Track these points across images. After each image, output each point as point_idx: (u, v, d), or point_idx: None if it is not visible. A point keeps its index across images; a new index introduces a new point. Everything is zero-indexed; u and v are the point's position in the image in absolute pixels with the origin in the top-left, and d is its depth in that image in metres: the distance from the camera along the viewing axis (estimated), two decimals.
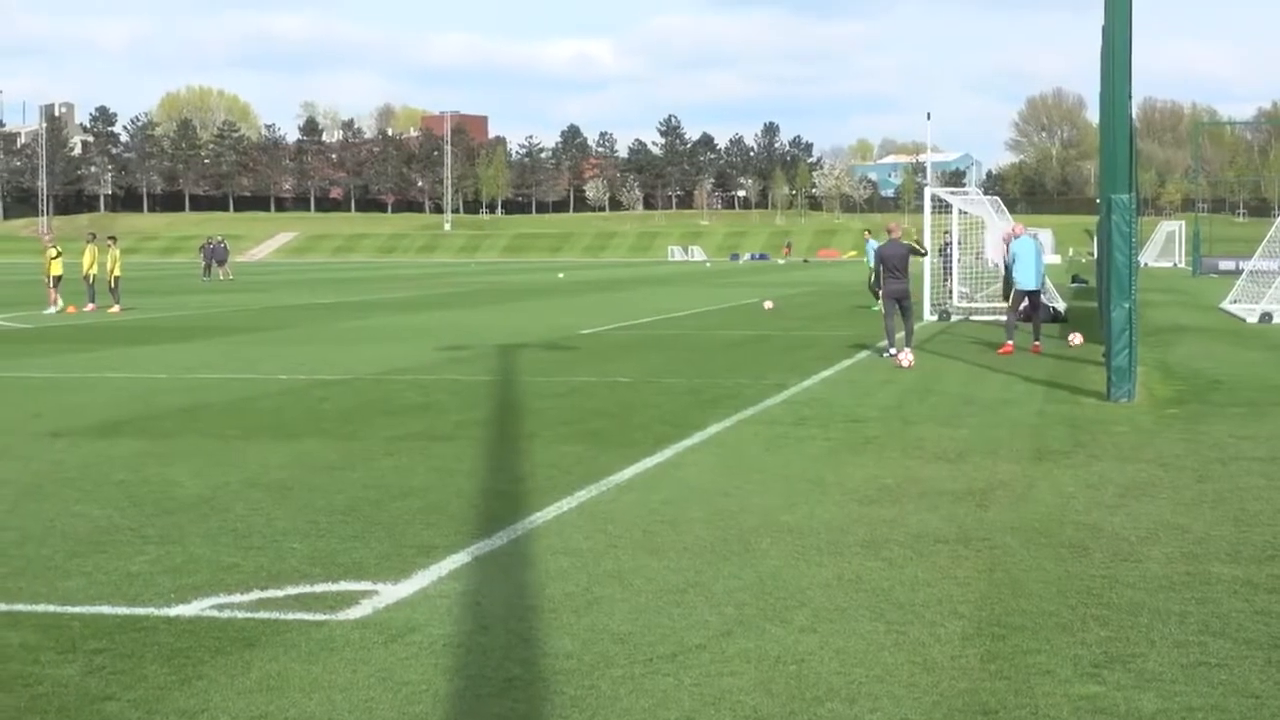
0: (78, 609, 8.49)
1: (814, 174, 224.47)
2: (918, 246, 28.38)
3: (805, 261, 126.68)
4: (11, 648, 7.68)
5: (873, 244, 45.38)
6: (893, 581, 9.11)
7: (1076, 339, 29.12)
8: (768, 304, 44.79)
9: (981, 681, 7.07)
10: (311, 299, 53.68)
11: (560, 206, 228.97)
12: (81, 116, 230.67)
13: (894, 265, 26.08)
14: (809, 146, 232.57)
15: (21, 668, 7.33)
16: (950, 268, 42.08)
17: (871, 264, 44.03)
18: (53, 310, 42.98)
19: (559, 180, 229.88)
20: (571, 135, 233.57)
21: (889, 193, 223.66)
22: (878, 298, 42.44)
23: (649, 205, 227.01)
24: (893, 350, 25.44)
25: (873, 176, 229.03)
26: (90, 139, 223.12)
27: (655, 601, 8.60)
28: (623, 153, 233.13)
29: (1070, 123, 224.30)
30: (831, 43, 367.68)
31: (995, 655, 7.51)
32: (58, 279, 44.51)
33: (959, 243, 42.75)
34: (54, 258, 44.94)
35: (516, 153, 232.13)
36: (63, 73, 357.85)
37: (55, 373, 23.68)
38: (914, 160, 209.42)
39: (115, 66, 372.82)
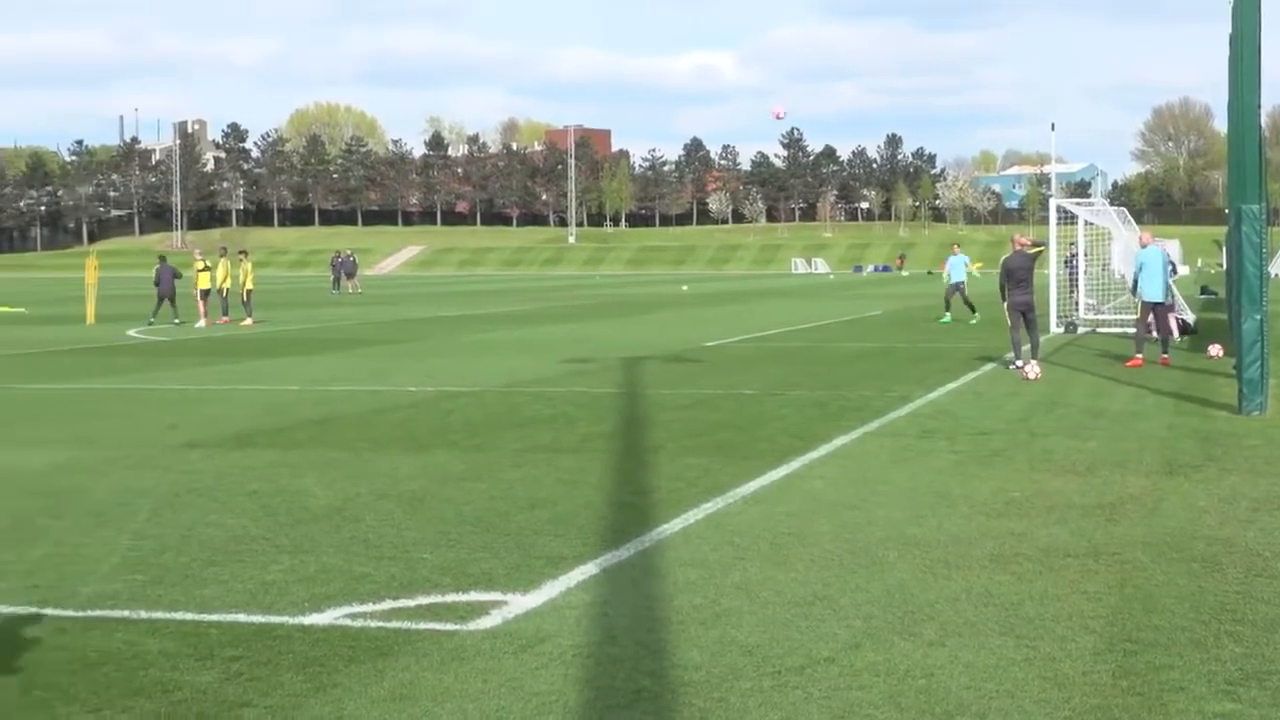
0: (215, 617, 8.65)
1: (937, 185, 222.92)
2: (1037, 245, 28.07)
3: (929, 273, 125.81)
4: (151, 654, 7.83)
5: (961, 257, 45.07)
6: (1022, 596, 9.05)
7: (1216, 350, 28.63)
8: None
9: (1113, 698, 7.01)
10: (438, 312, 54.13)
11: (683, 219, 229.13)
12: (214, 133, 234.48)
13: (1019, 277, 25.99)
14: (932, 158, 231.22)
15: (161, 674, 7.47)
16: (1076, 279, 41.66)
17: (951, 278, 43.94)
18: (201, 324, 43.55)
19: (682, 193, 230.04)
20: (694, 148, 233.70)
21: (1013, 204, 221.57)
22: (973, 310, 42.34)
23: (772, 218, 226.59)
24: (1019, 362, 25.24)
25: (996, 188, 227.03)
26: (222, 155, 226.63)
27: (783, 614, 8.61)
28: (745, 165, 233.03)
29: (1197, 132, 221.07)
30: (954, 54, 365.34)
31: (1127, 671, 7.44)
32: (205, 293, 45.10)
33: (1085, 254, 42.31)
34: (201, 270, 45.52)
35: (640, 166, 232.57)
36: (196, 91, 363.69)
37: (190, 385, 24.08)
38: (1038, 171, 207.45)
39: (246, 84, 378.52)
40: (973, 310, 42.43)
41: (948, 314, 43.18)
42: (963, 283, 43.72)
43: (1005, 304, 26.33)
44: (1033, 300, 26.21)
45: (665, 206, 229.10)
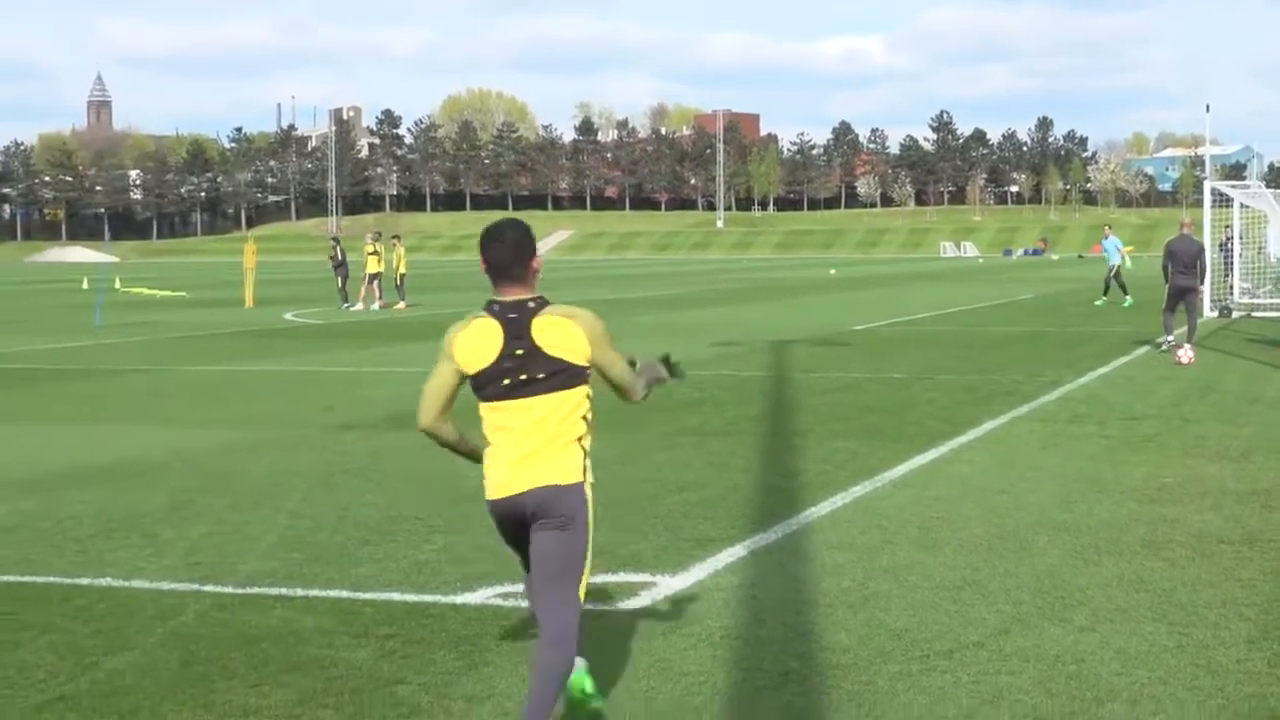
0: (369, 595, 8.81)
1: (1088, 168, 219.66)
2: (1215, 244, 28.03)
3: (1080, 257, 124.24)
4: (308, 631, 8.00)
5: (1113, 240, 44.47)
6: (1174, 582, 8.95)
7: None
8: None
9: (1269, 686, 6.93)
10: (587, 295, 54.40)
11: (831, 203, 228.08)
12: (368, 120, 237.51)
13: (1184, 260, 25.86)
14: (1083, 140, 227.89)
15: (318, 651, 7.63)
16: (1231, 263, 40.95)
17: (1111, 260, 43.41)
18: (375, 307, 44.27)
19: (830, 177, 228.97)
20: (843, 132, 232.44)
21: (1166, 187, 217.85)
22: (1121, 290, 41.96)
23: (920, 201, 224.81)
24: (1171, 340, 24.96)
25: (1149, 170, 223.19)
26: (376, 141, 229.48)
27: (931, 598, 8.60)
28: (894, 149, 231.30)
29: None
30: (1106, 34, 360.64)
31: None
32: (374, 276, 45.74)
33: (1240, 237, 41.55)
34: (371, 254, 46.14)
35: (788, 150, 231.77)
36: (352, 79, 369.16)
37: (346, 367, 24.46)
38: (1192, 154, 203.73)
39: (400, 71, 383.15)
40: (1125, 292, 42.06)
41: (1104, 297, 42.76)
42: (1115, 265, 43.28)
43: (1167, 286, 26.17)
44: (1196, 284, 26.09)
45: (813, 190, 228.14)
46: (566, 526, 6.05)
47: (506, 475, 6.08)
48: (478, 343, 6.14)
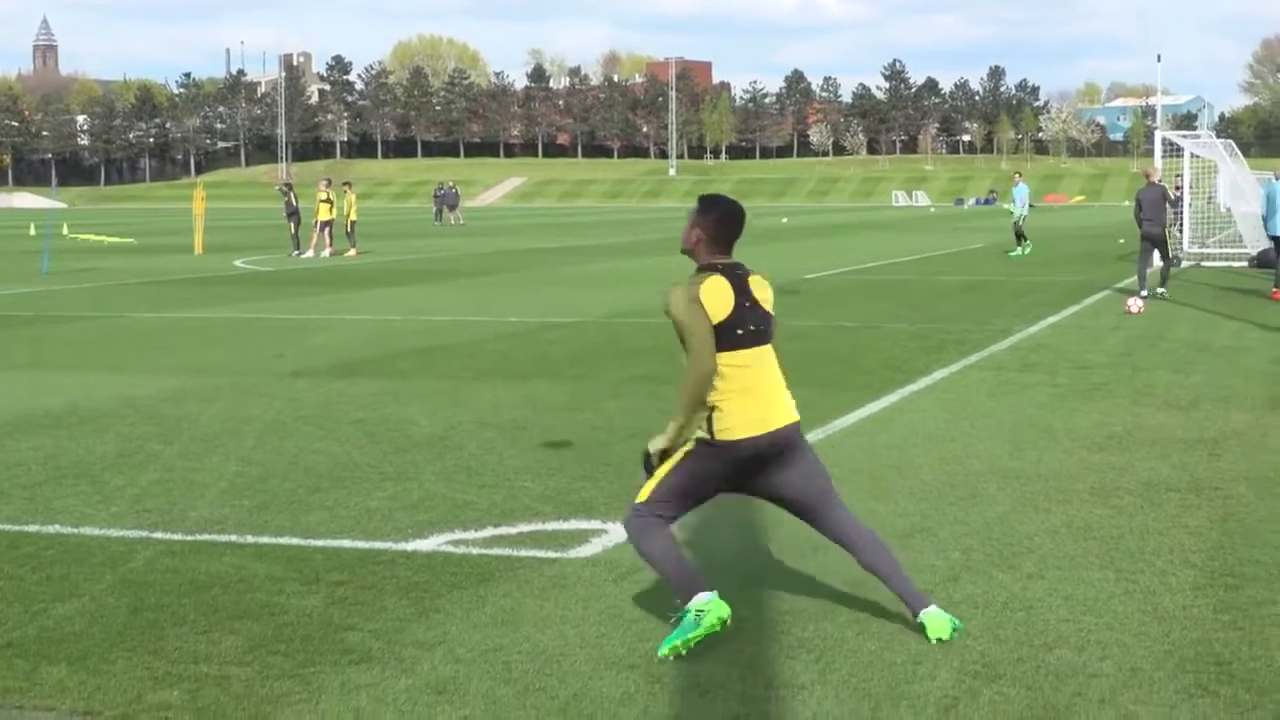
0: (320, 542, 8.79)
1: (1040, 118, 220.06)
2: (1171, 194, 29.16)
3: (1031, 206, 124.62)
4: (258, 578, 7.98)
5: (1023, 189, 44.63)
6: (1122, 530, 9.02)
7: None
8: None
9: (1214, 632, 7.00)
10: (540, 243, 54.31)
11: (784, 152, 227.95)
12: (318, 66, 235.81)
13: (1150, 210, 27.32)
14: (1035, 90, 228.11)
15: (268, 598, 7.62)
16: (1181, 213, 41.15)
17: (1017, 209, 43.96)
18: (325, 254, 44.11)
19: (782, 125, 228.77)
20: (795, 80, 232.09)
21: (1117, 136, 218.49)
22: (1021, 240, 42.65)
23: (873, 150, 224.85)
24: (1161, 291, 26.38)
25: (1101, 120, 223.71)
26: (326, 87, 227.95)
27: None
28: (846, 98, 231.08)
29: None
30: None
31: (1229, 606, 7.41)
32: (326, 223, 45.49)
33: (1190, 187, 41.73)
34: (323, 201, 45.86)
35: (740, 98, 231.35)
36: (301, 24, 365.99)
37: (296, 315, 24.37)
38: (1143, 104, 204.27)
39: (350, 17, 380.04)
40: (1018, 240, 43.14)
41: (1018, 248, 43.09)
42: (1023, 214, 43.99)
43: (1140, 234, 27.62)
44: (1163, 233, 27.68)
45: (766, 139, 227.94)
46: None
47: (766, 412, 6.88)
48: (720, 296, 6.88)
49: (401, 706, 6.02)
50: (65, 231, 57.62)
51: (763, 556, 8.38)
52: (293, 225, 47.26)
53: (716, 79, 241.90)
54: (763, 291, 7.04)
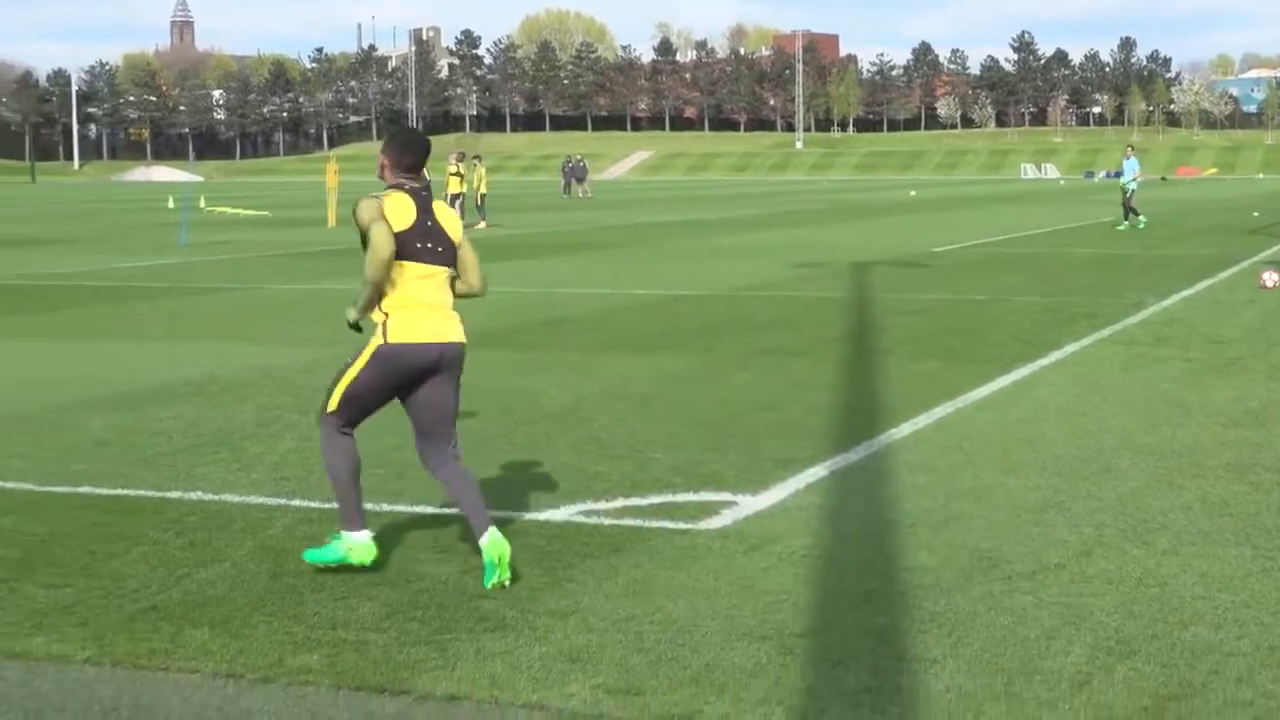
0: (454, 511, 8.89)
1: (1172, 89, 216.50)
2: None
3: (1163, 179, 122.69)
4: (394, 546, 8.11)
5: (1133, 162, 43.47)
6: (1259, 506, 8.92)
7: None
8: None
9: None
10: (666, 216, 54.35)
11: (911, 124, 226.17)
12: (448, 40, 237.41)
13: None
14: (1167, 61, 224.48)
15: (404, 565, 7.74)
16: None
17: (1128, 182, 42.78)
18: None
19: (910, 98, 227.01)
20: (923, 52, 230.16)
21: (1251, 108, 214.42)
22: (1130, 214, 41.62)
23: (1001, 123, 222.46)
24: None
25: (1234, 92, 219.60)
26: (456, 62, 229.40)
27: (1013, 519, 8.61)
28: (975, 69, 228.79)
29: None
30: None
31: None
32: (456, 196, 45.87)
33: None
34: (453, 174, 46.24)
35: (868, 70, 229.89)
36: None
37: None
38: (1278, 74, 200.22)
39: None
40: (1126, 215, 42.07)
41: (1125, 221, 42.30)
42: (1133, 188, 43.01)
43: None
44: None
45: (893, 111, 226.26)
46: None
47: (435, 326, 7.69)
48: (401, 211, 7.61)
49: (536, 674, 6.09)
50: (202, 204, 58.58)
51: (894, 529, 8.38)
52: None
53: (843, 51, 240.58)
54: (447, 218, 7.83)
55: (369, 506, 8.97)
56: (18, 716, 5.75)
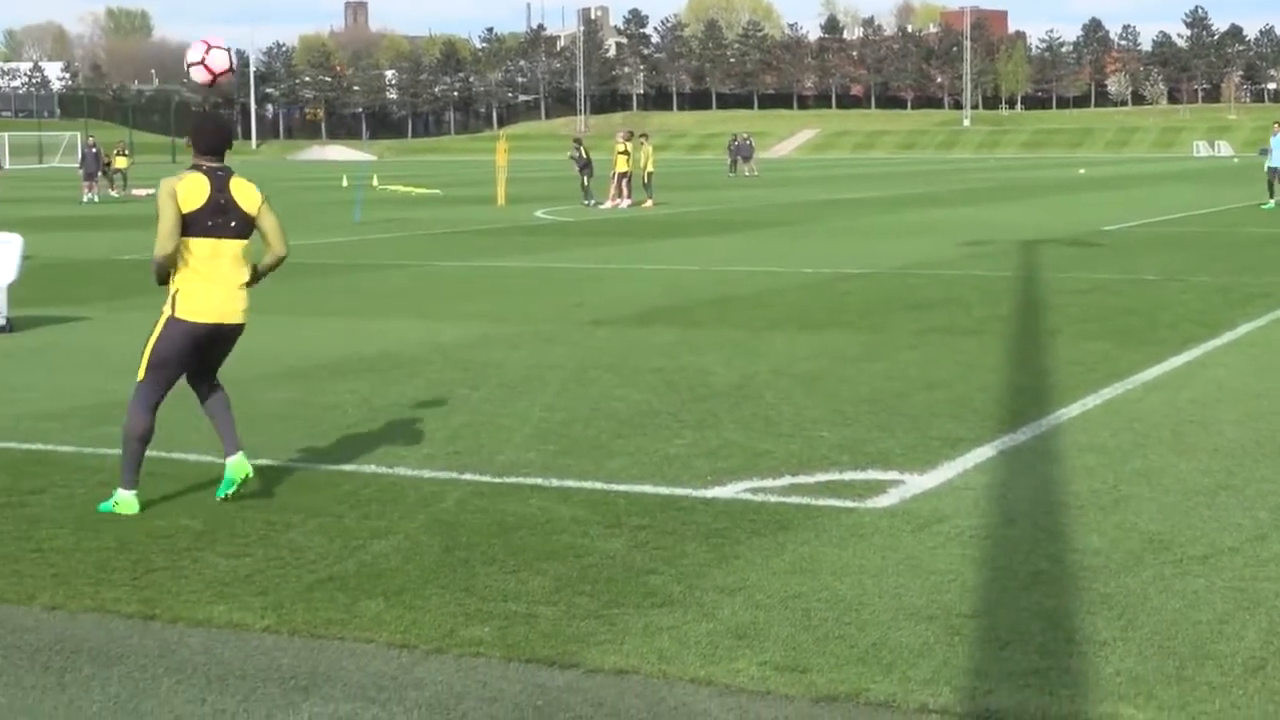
0: (622, 487, 8.99)
1: None
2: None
3: None
4: (563, 521, 8.21)
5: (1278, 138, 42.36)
6: None
7: None
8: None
9: None
10: (833, 195, 54.13)
11: (1080, 102, 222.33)
12: (615, 19, 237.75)
13: None
14: None
15: (573, 540, 7.84)
16: None
17: (1274, 161, 41.60)
18: (624, 205, 44.75)
19: (1079, 75, 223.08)
20: (1093, 28, 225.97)
21: None
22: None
23: (1173, 99, 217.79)
24: None
25: None
26: (624, 41, 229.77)
27: (1185, 502, 8.50)
28: (1146, 46, 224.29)
29: None
30: None
31: None
32: (624, 175, 46.14)
33: None
34: (621, 152, 46.53)
35: (1036, 47, 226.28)
36: None
37: (595, 264, 24.79)
38: None
39: None
40: (1271, 193, 40.87)
41: (1270, 200, 41.21)
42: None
43: None
44: None
45: (1062, 88, 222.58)
46: None
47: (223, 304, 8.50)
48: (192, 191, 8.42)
49: (703, 650, 6.15)
50: (375, 183, 59.31)
51: (1064, 510, 8.32)
52: (585, 177, 48.00)
53: (1012, 28, 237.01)
54: (243, 193, 8.54)
55: (538, 481, 9.12)
56: (200, 682, 5.93)
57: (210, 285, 8.43)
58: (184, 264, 8.41)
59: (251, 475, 8.60)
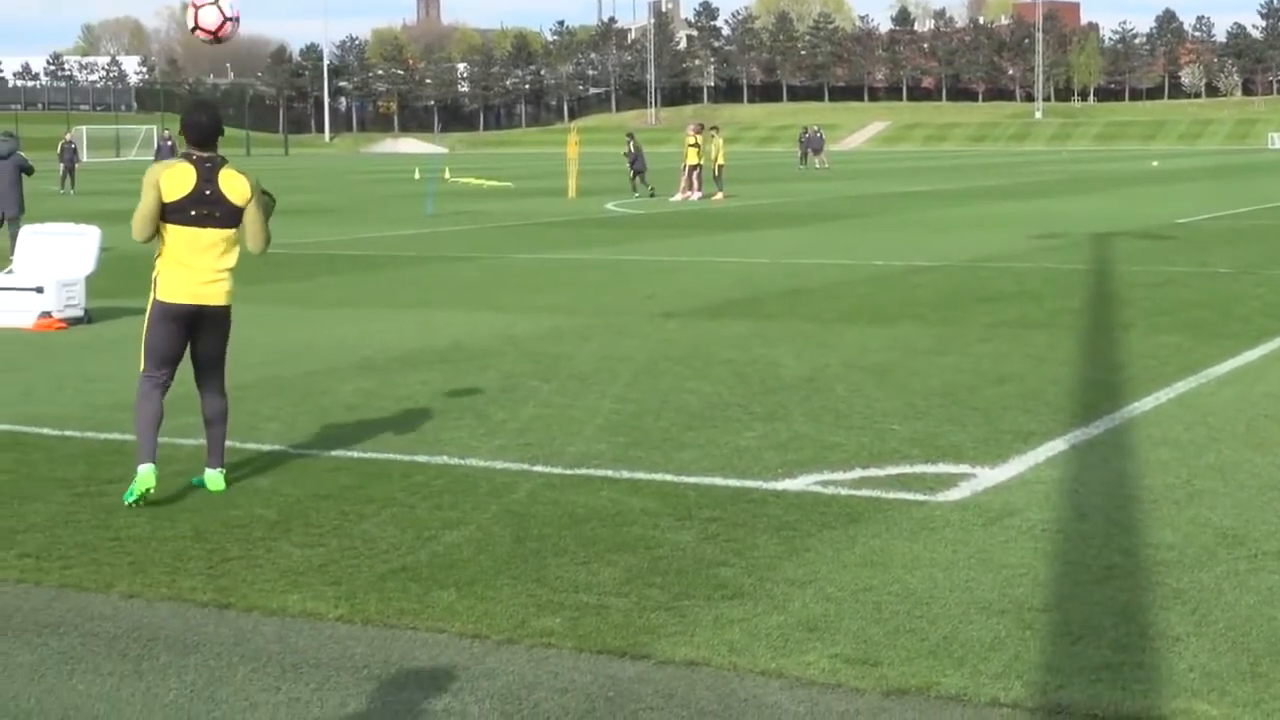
0: (692, 479, 9.01)
1: None
2: None
3: None
4: (633, 512, 8.24)
5: None
6: None
7: None
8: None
9: None
10: (904, 187, 53.91)
11: (1154, 93, 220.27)
12: (686, 12, 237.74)
13: None
14: None
15: (643, 531, 7.86)
16: None
17: None
18: (694, 198, 44.79)
19: (1153, 67, 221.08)
20: (1166, 20, 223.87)
21: None
22: None
23: (1248, 91, 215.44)
24: None
25: None
26: (694, 33, 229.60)
27: (1260, 497, 8.44)
28: (1220, 37, 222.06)
29: None
30: None
31: None
32: (694, 168, 46.16)
33: None
34: (691, 145, 46.57)
35: (1109, 39, 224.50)
36: None
37: (665, 257, 24.80)
38: None
39: None
40: None
41: None
42: None
43: None
44: None
45: (1135, 80, 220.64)
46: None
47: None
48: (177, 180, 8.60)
49: (774, 642, 6.16)
50: (447, 175, 59.55)
51: (1136, 504, 8.27)
52: (634, 172, 48.25)
53: (1084, 19, 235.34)
54: (231, 185, 8.67)
55: (609, 473, 9.15)
56: (275, 670, 5.99)
57: (188, 270, 8.62)
58: (165, 249, 8.66)
59: (219, 490, 8.77)
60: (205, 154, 8.69)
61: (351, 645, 6.27)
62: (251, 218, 8.77)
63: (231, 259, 8.77)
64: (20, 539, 7.88)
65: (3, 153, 25.40)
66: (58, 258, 17.28)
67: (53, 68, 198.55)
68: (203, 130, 8.73)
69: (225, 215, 8.65)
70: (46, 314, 16.56)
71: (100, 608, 6.81)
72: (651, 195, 45.64)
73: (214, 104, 9.42)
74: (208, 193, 8.60)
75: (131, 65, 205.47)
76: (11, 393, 12.39)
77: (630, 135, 51.92)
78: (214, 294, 8.70)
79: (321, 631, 6.44)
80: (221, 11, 8.96)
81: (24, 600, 6.94)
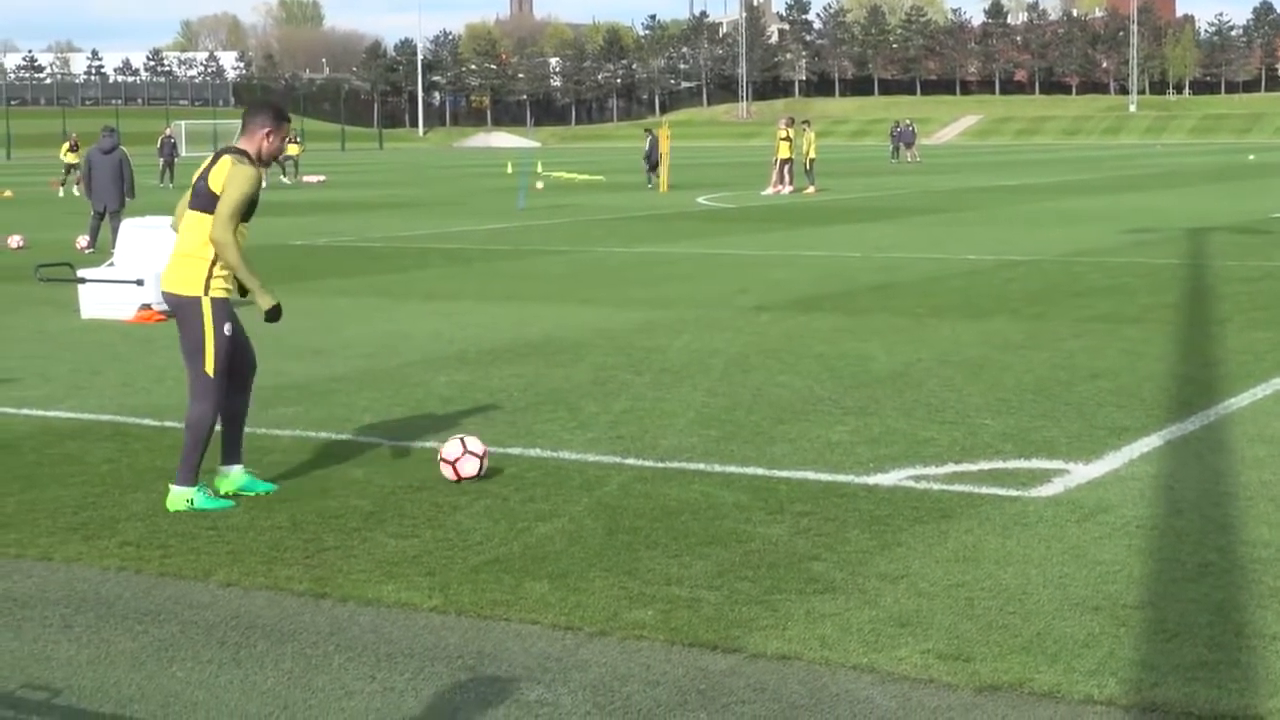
0: (784, 473, 9.01)
1: None
2: None
3: None
4: (725, 506, 8.26)
5: None
6: None
7: None
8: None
9: None
10: (996, 181, 53.54)
11: (1251, 86, 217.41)
12: (777, 6, 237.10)
13: None
14: None
15: (735, 525, 7.88)
16: None
17: None
18: (786, 191, 44.80)
19: (1250, 59, 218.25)
20: (1264, 11, 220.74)
21: None
22: None
23: None
24: None
25: None
26: (785, 27, 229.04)
27: None
28: None
29: None
30: None
31: None
32: (785, 161, 46.11)
33: None
34: (783, 139, 46.52)
35: (1205, 31, 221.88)
36: None
37: (756, 250, 24.79)
38: None
39: None
40: None
41: None
42: None
43: None
44: None
45: (1232, 73, 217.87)
46: None
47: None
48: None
49: (866, 637, 6.16)
50: (539, 169, 59.75)
51: (1232, 501, 8.20)
52: (647, 167, 49.59)
53: (1180, 11, 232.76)
54: (219, 169, 8.85)
55: (701, 467, 9.18)
56: (370, 660, 6.06)
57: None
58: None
59: (237, 486, 8.67)
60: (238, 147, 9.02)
61: (445, 636, 6.33)
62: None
63: (188, 241, 8.60)
64: (121, 527, 8.01)
65: (105, 148, 25.76)
66: (158, 251, 17.49)
67: (152, 64, 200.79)
68: (246, 119, 9.30)
69: (199, 199, 8.71)
70: (146, 306, 16.80)
71: (199, 596, 6.91)
72: (649, 185, 46.99)
73: (255, 98, 9.87)
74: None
75: (229, 61, 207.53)
76: (112, 384, 12.58)
77: (649, 130, 52.65)
78: (165, 278, 8.67)
79: (416, 622, 6.50)
80: (472, 453, 8.73)
81: (125, 588, 7.06)
